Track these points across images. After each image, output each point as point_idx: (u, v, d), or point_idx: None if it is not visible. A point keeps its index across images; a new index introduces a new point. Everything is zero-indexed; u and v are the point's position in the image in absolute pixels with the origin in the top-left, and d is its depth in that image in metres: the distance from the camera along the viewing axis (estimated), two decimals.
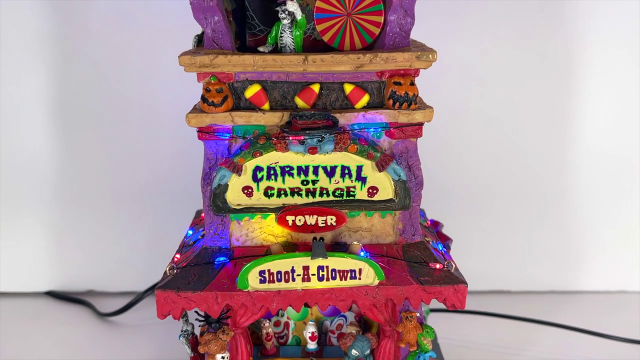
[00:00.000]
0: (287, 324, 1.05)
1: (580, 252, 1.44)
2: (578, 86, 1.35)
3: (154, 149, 1.38)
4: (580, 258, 1.44)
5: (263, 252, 0.90)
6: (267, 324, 1.02)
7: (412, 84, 0.85)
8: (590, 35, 1.32)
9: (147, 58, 1.33)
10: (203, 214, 1.09)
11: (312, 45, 0.93)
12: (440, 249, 0.95)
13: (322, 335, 1.05)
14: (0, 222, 1.41)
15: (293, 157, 0.87)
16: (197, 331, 1.00)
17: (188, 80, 1.29)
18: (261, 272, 0.85)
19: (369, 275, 0.86)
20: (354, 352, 0.95)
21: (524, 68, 1.34)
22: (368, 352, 0.95)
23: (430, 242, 0.94)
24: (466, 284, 0.87)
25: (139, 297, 1.35)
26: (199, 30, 1.04)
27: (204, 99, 0.85)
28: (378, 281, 0.86)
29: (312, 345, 1.02)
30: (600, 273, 1.45)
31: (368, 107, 0.88)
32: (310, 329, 1.01)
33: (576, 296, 1.44)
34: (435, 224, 1.08)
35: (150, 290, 1.34)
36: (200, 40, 0.98)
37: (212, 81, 0.85)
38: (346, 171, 0.88)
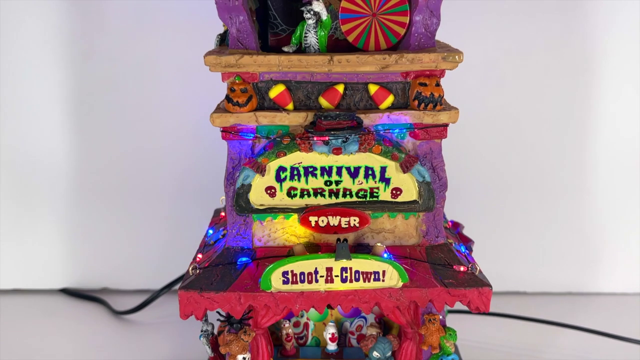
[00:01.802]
0: (306, 325, 1.05)
1: (597, 253, 1.43)
2: (596, 85, 1.34)
3: (170, 146, 1.38)
4: (598, 259, 1.43)
5: (285, 252, 0.89)
6: (287, 325, 1.02)
7: (438, 84, 0.85)
8: (609, 34, 1.31)
9: (164, 56, 1.32)
10: (222, 213, 1.09)
11: (334, 45, 0.93)
12: (463, 251, 0.95)
13: (341, 336, 1.04)
14: (15, 219, 1.41)
15: (317, 158, 0.87)
16: (216, 331, 1.00)
17: (205, 78, 1.29)
18: (284, 273, 0.85)
19: (393, 277, 0.85)
20: (375, 354, 0.94)
21: (542, 68, 1.33)
22: (389, 354, 0.95)
23: (453, 244, 0.93)
24: (491, 287, 0.86)
25: (155, 295, 1.34)
26: (217, 28, 1.04)
27: (228, 98, 0.85)
28: (402, 283, 0.85)
29: (332, 347, 1.01)
30: (618, 274, 1.44)
31: (392, 107, 0.87)
32: (331, 330, 1.01)
33: (593, 298, 1.43)
34: (456, 225, 1.07)
35: (167, 288, 1.34)
36: (222, 39, 0.97)
37: (237, 81, 0.85)
38: (370, 172, 0.88)
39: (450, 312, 1.24)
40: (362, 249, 0.90)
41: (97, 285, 1.46)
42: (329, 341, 1.01)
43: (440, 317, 0.92)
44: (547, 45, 1.32)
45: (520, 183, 1.40)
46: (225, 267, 0.88)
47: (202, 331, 0.98)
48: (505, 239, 1.41)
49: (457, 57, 0.83)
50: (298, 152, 0.86)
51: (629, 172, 1.38)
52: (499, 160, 1.39)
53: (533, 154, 1.38)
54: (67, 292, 1.45)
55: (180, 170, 1.39)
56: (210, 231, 1.03)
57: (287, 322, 1.02)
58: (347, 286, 0.85)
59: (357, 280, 0.85)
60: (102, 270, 1.45)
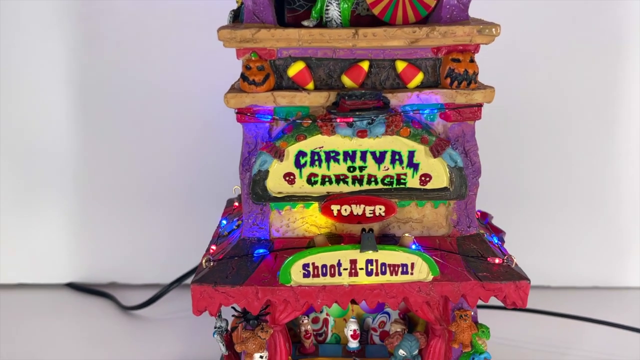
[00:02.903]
0: (326, 321, 0.99)
1: (626, 246, 1.38)
2: (629, 72, 1.28)
3: (179, 136, 1.34)
4: (626, 252, 1.38)
5: (305, 244, 0.84)
6: (305, 321, 0.97)
7: (472, 60, 0.79)
8: None
9: (172, 39, 1.28)
10: (236, 203, 1.04)
11: (356, 21, 0.87)
12: (496, 242, 0.89)
13: (363, 333, 0.99)
14: (21, 212, 1.38)
15: (339, 142, 0.82)
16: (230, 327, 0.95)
17: (215, 62, 1.24)
18: (305, 266, 0.79)
19: (422, 270, 0.80)
20: (401, 352, 0.89)
21: (571, 52, 1.28)
22: (416, 352, 0.90)
23: (485, 235, 0.88)
24: (529, 280, 0.81)
25: (164, 290, 1.30)
26: (229, 5, 0.98)
27: (244, 77, 0.79)
28: (432, 277, 0.80)
29: (353, 344, 0.96)
30: None
31: (422, 86, 0.81)
32: (352, 326, 0.95)
33: (621, 292, 1.38)
34: (485, 216, 1.01)
35: (177, 282, 1.30)
36: (236, 15, 0.92)
37: (253, 58, 0.79)
38: (397, 157, 0.82)
39: None
40: (388, 239, 0.85)
41: (104, 280, 1.43)
42: (350, 338, 0.96)
43: (472, 312, 0.86)
44: (574, 25, 1.26)
45: (545, 173, 1.35)
46: (241, 259, 0.83)
47: (215, 328, 0.93)
48: (529, 231, 1.36)
49: (493, 30, 0.78)
50: (319, 135, 0.81)
51: None
52: (523, 150, 1.34)
53: (560, 143, 1.34)
54: (73, 286, 1.41)
55: (190, 160, 1.35)
56: (224, 221, 0.98)
57: (306, 318, 0.97)
58: (373, 280, 0.80)
59: (384, 273, 0.80)
60: (109, 264, 1.42)
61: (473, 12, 0.87)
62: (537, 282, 1.37)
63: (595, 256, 1.38)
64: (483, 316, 1.18)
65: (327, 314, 0.99)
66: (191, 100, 1.31)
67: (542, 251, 1.37)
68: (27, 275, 1.41)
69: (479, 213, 1.01)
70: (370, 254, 0.79)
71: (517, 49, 1.26)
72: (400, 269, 0.80)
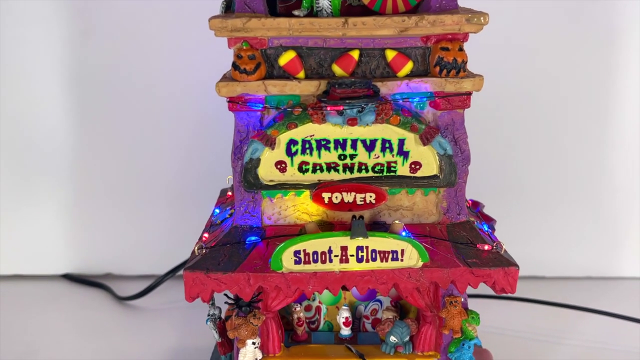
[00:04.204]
0: (318, 309, 1.00)
1: (620, 236, 1.39)
2: (622, 60, 1.29)
3: (173, 127, 1.34)
4: (620, 242, 1.39)
5: (297, 231, 0.85)
6: (298, 309, 0.97)
7: (461, 49, 0.80)
8: (634, 5, 1.26)
9: (168, 31, 1.28)
10: (229, 193, 1.04)
11: (347, 11, 0.87)
12: (486, 229, 0.90)
13: (355, 320, 0.99)
14: (17, 203, 1.38)
15: (330, 130, 0.82)
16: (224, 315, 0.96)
17: (211, 53, 1.24)
18: (296, 253, 0.80)
19: (412, 257, 0.80)
20: (392, 338, 0.90)
21: (564, 40, 1.28)
22: (407, 338, 0.91)
23: (475, 223, 0.88)
24: (517, 266, 0.82)
25: (159, 281, 1.31)
26: None
27: (235, 66, 0.80)
28: (422, 263, 0.81)
29: (345, 331, 0.97)
30: None
31: (412, 75, 0.82)
32: (344, 314, 0.96)
33: (615, 282, 1.39)
34: (476, 204, 1.02)
35: (171, 273, 1.31)
36: (228, 6, 0.92)
37: (244, 47, 0.80)
38: (387, 145, 0.83)
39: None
40: (379, 227, 0.86)
41: (100, 271, 1.43)
42: (342, 326, 0.97)
43: (462, 299, 0.87)
44: (568, 16, 1.27)
45: (540, 163, 1.35)
46: (233, 246, 0.84)
47: (208, 315, 0.94)
48: (524, 221, 1.36)
49: (482, 18, 0.78)
50: (310, 123, 0.82)
51: None
52: (518, 140, 1.34)
53: (554, 133, 1.33)
54: (69, 277, 1.42)
55: (185, 151, 1.36)
56: (217, 210, 0.99)
57: (299, 305, 0.97)
58: (364, 266, 0.81)
59: (374, 259, 0.81)
60: (105, 255, 1.42)
61: (463, 2, 0.88)
62: (531, 273, 1.39)
63: (590, 246, 1.39)
64: (478, 306, 1.19)
65: (319, 302, 0.99)
66: (186, 91, 1.31)
67: (536, 241, 1.38)
68: (23, 267, 1.41)
69: (470, 202, 1.02)
70: (360, 241, 0.80)
71: (511, 39, 1.26)
72: (390, 256, 0.80)
